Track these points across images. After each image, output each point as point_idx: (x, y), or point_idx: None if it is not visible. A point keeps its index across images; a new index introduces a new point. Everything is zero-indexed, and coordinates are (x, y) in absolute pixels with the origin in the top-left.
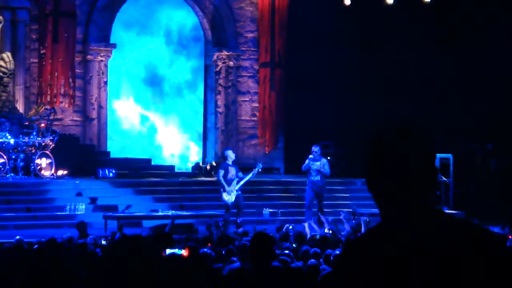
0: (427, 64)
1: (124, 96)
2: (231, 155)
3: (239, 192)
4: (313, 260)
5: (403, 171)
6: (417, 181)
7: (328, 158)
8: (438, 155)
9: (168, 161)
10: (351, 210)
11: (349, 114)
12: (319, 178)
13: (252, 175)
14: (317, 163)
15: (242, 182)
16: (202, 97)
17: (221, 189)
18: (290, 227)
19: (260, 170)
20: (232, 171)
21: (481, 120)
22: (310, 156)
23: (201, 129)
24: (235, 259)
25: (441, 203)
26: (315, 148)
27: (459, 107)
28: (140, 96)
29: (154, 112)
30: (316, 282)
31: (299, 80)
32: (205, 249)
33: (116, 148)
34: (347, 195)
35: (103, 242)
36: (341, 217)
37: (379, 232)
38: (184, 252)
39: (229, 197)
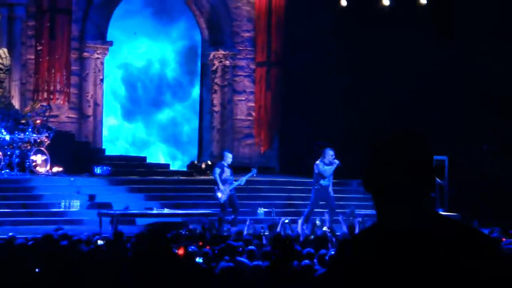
0: (423, 65)
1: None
2: (228, 158)
3: (233, 192)
4: (306, 260)
5: (401, 174)
6: (414, 184)
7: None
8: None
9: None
10: (349, 210)
11: (345, 115)
12: (328, 183)
13: (245, 180)
14: (332, 167)
15: (234, 185)
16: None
17: (216, 187)
18: (286, 221)
19: (254, 175)
20: (228, 172)
21: (476, 122)
22: (334, 160)
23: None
24: (227, 258)
25: (436, 204)
26: (331, 152)
27: (454, 108)
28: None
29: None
30: (310, 282)
31: (295, 80)
32: (194, 248)
33: None
34: (342, 196)
35: (99, 241)
36: (339, 218)
37: (374, 232)
38: (179, 251)
39: (222, 195)
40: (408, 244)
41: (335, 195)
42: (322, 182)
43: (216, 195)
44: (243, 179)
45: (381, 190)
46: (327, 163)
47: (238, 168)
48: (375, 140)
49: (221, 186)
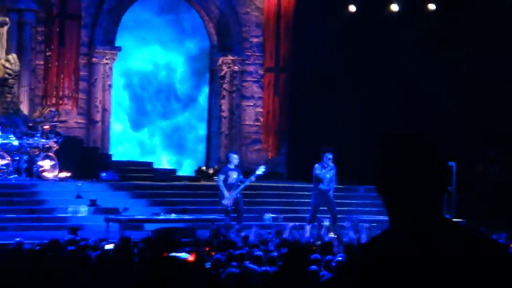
0: (430, 71)
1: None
2: (234, 159)
3: (239, 195)
4: (314, 266)
5: (416, 179)
6: (428, 190)
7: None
8: None
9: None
10: (355, 217)
11: (353, 120)
12: (328, 188)
13: (254, 177)
14: (331, 172)
15: (242, 186)
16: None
17: (221, 194)
18: (294, 227)
19: (262, 173)
20: (233, 175)
21: (484, 127)
22: (321, 163)
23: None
24: (234, 263)
25: (443, 210)
26: (330, 155)
27: (461, 114)
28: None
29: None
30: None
31: (303, 85)
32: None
33: None
34: (350, 201)
35: (107, 246)
36: (345, 224)
37: (388, 239)
38: (190, 257)
39: (228, 201)
40: (421, 251)
41: (343, 200)
42: (321, 186)
43: (222, 202)
44: (252, 177)
45: (394, 194)
46: (326, 167)
47: (246, 173)
48: (389, 144)
49: (226, 194)
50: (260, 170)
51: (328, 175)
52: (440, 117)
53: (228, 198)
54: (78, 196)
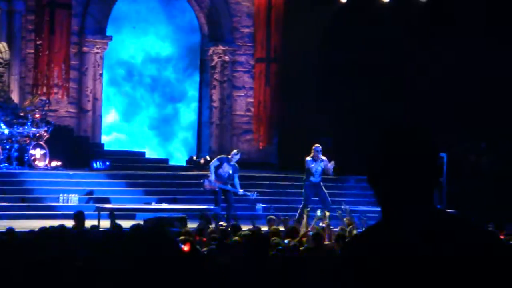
0: (421, 62)
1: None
2: (234, 158)
3: (228, 186)
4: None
5: (409, 171)
6: (421, 181)
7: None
8: None
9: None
10: (345, 207)
11: (343, 111)
12: (319, 180)
13: (242, 193)
14: (321, 164)
15: (229, 188)
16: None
17: (208, 176)
18: (286, 218)
19: (252, 198)
20: (227, 168)
21: (475, 119)
22: (312, 157)
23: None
24: (225, 252)
25: (434, 201)
26: (319, 149)
27: (453, 105)
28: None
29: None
30: (311, 278)
31: (294, 75)
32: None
33: None
34: (341, 192)
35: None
36: (337, 214)
37: (380, 231)
38: (185, 247)
39: (208, 184)
40: (415, 241)
41: (333, 191)
42: (312, 179)
43: (204, 181)
44: (240, 191)
45: (386, 186)
46: (316, 160)
47: (241, 164)
48: (383, 135)
49: (212, 177)
50: (252, 196)
51: (319, 168)
52: (432, 107)
53: (210, 182)
54: (71, 185)
